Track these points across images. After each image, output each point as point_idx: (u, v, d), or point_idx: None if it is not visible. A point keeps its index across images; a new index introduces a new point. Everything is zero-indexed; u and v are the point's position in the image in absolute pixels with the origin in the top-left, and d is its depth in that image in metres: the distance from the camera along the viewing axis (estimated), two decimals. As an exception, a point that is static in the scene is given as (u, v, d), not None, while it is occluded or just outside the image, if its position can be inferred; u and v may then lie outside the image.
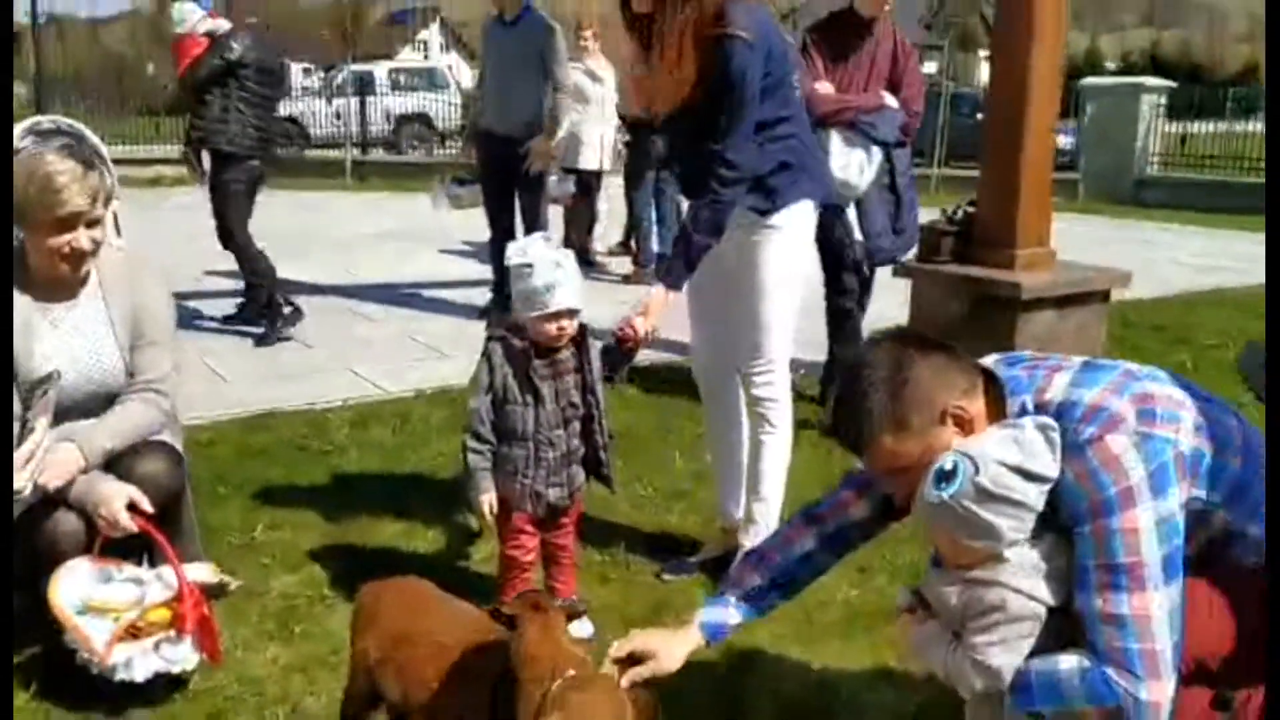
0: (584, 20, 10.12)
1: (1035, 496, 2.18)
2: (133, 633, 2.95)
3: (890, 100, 5.50)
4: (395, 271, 10.07)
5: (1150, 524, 2.11)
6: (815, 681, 3.28)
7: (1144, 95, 18.34)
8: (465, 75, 26.20)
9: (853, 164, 5.36)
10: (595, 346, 3.39)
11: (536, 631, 2.23)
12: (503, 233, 7.50)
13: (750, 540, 3.76)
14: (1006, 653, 2.21)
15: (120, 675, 2.95)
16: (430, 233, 11.78)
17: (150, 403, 3.28)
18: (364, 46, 39.21)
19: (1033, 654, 2.22)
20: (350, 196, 17.02)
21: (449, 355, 7.01)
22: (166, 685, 3.11)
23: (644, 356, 6.66)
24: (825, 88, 5.44)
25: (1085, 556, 2.17)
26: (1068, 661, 2.17)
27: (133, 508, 3.02)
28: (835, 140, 5.34)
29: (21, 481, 2.68)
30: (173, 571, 3.02)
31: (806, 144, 3.72)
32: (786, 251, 3.65)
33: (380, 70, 25.84)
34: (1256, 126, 20.22)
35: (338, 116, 21.78)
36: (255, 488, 4.60)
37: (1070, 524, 2.20)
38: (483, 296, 8.25)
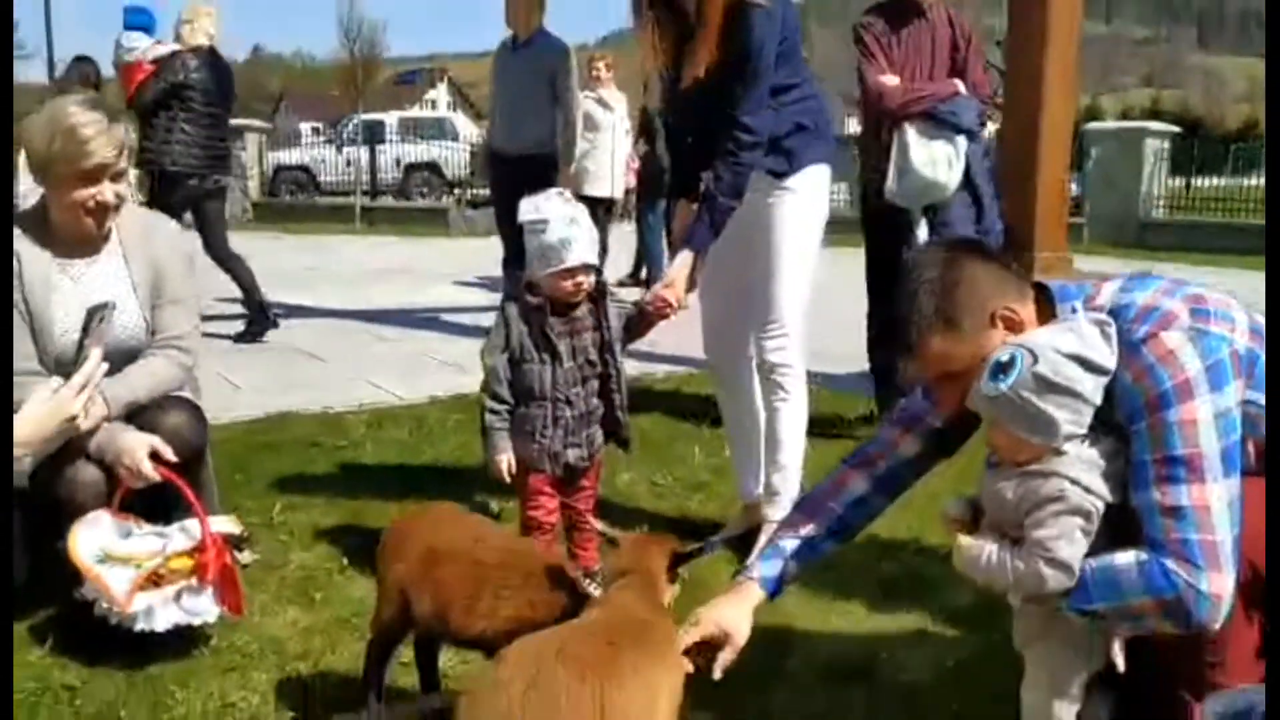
0: (597, 53, 10.24)
1: (1092, 388, 2.15)
2: (154, 580, 2.90)
3: (962, 87, 5.02)
4: (410, 300, 10.09)
5: (1208, 416, 2.07)
6: (854, 643, 3.21)
7: (1148, 139, 18.42)
8: (472, 132, 26.43)
9: (939, 159, 4.86)
10: (614, 305, 3.36)
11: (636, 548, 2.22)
12: (516, 252, 7.48)
13: (775, 512, 3.70)
14: (1070, 545, 2.16)
15: (140, 625, 2.89)
16: (442, 267, 11.83)
17: (172, 360, 3.25)
18: (372, 104, 39.69)
19: (1088, 555, 2.18)
20: (359, 239, 17.11)
21: (467, 371, 6.97)
22: (185, 642, 3.05)
23: (660, 367, 6.68)
24: (892, 80, 5.00)
25: (1142, 452, 2.13)
26: (1124, 557, 2.12)
27: (155, 458, 2.98)
28: (912, 135, 4.89)
29: (75, 408, 2.64)
30: (194, 524, 2.97)
31: (819, 107, 3.74)
32: (802, 213, 3.65)
33: (390, 119, 26.16)
34: (1259, 181, 20.28)
35: (348, 164, 22.00)
36: (271, 477, 4.56)
37: (1127, 422, 2.16)
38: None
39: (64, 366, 3.09)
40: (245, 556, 3.64)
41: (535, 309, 3.20)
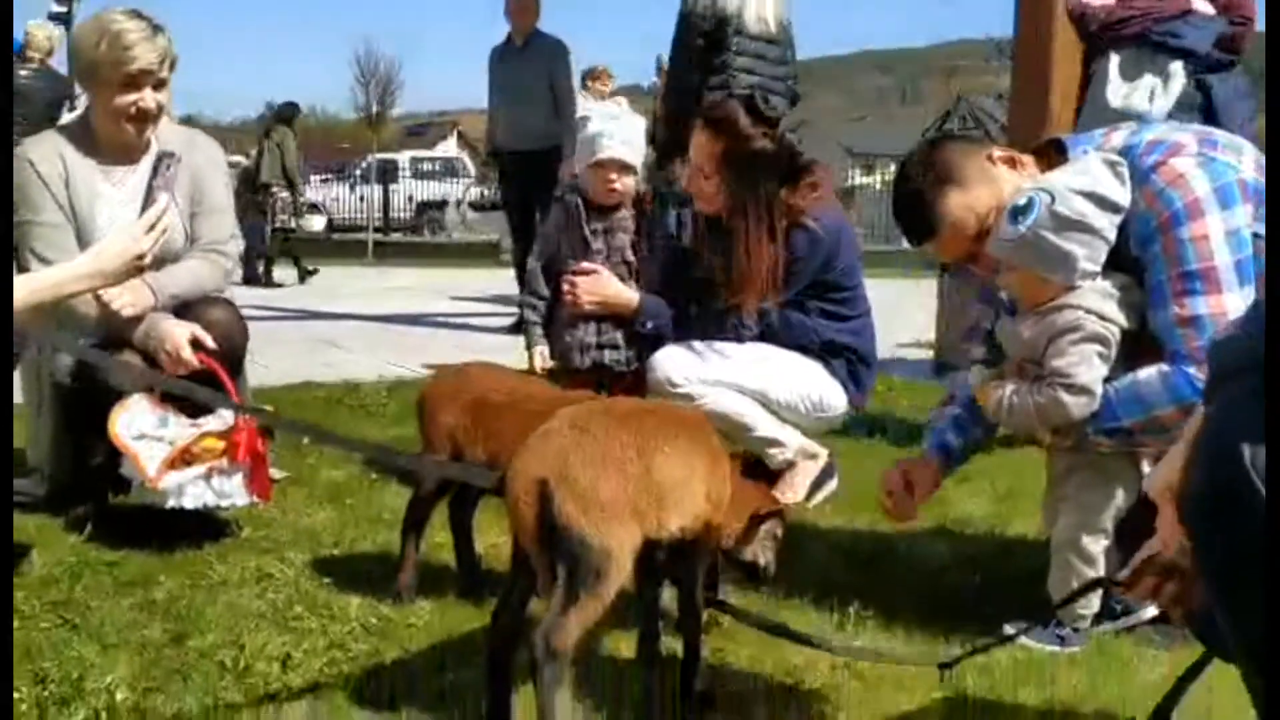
0: (599, 69, 10.38)
1: (1108, 225, 2.23)
2: (185, 459, 2.96)
3: (1202, 3, 4.03)
4: (431, 307, 10.17)
5: (1219, 232, 2.16)
6: (874, 538, 3.26)
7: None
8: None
9: (1139, 89, 3.96)
10: (659, 218, 3.45)
11: None
12: (527, 243, 7.60)
13: (781, 454, 3.66)
14: (1089, 369, 2.23)
15: (171, 502, 2.95)
16: (453, 289, 11.93)
17: (213, 263, 3.34)
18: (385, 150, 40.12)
19: (1108, 380, 2.26)
20: (372, 270, 17.25)
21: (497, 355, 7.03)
22: (220, 529, 3.11)
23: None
24: None
25: (1158, 273, 2.21)
26: (1147, 372, 2.19)
27: (196, 345, 3.06)
28: (1113, 65, 4.00)
29: (145, 245, 2.70)
30: (228, 412, 3.04)
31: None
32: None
33: (403, 158, 26.51)
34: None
35: (361, 200, 22.25)
36: (293, 418, 4.60)
37: (1141, 248, 2.25)
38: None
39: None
40: (276, 474, 3.70)
41: (575, 207, 3.30)
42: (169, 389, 2.78)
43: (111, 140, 3.29)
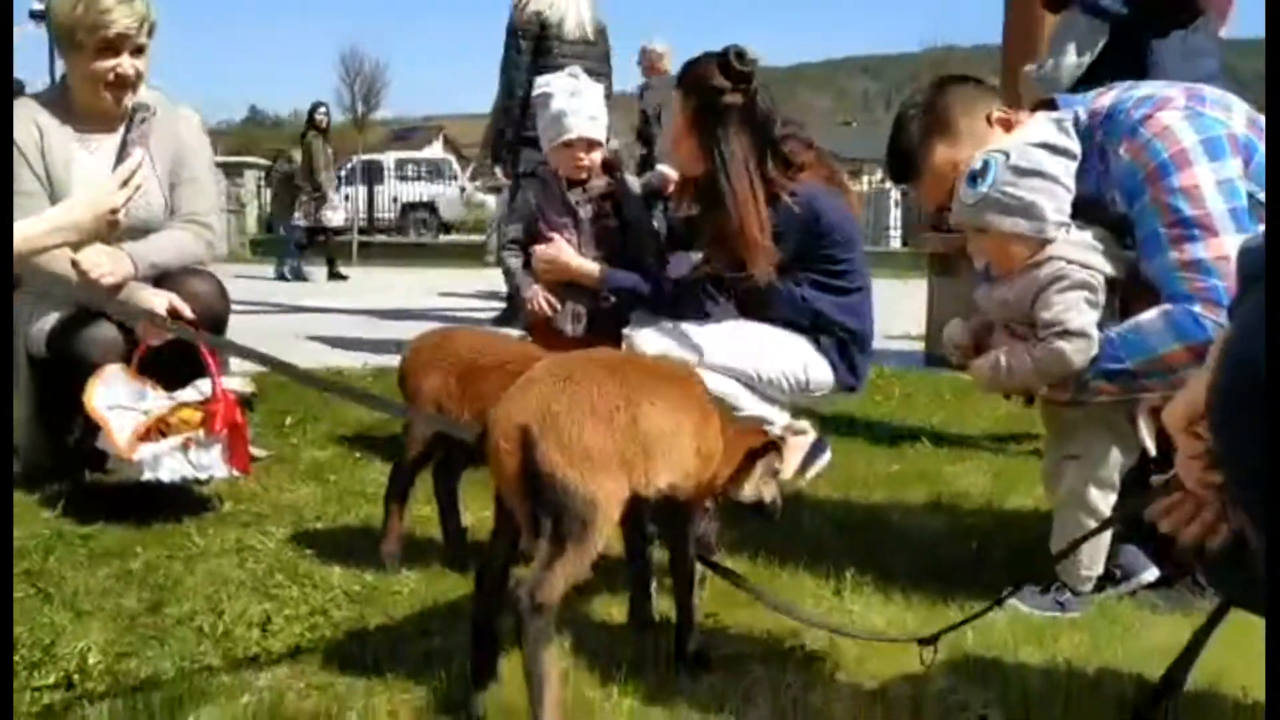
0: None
1: (1063, 171, 2.23)
2: (161, 430, 2.88)
3: None
4: (417, 303, 10.10)
5: (1210, 181, 2.11)
6: (866, 510, 3.21)
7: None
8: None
9: (1063, 53, 3.81)
10: (633, 182, 3.39)
11: None
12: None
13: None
14: (1080, 314, 2.18)
15: (147, 474, 2.88)
16: (444, 286, 11.86)
17: (195, 233, 3.27)
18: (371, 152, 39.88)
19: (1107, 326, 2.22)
20: (357, 270, 17.15)
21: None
22: (200, 503, 3.04)
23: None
24: None
25: (1150, 225, 2.16)
26: (1149, 314, 2.14)
27: (175, 316, 2.98)
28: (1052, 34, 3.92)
29: (119, 199, 2.63)
30: (206, 383, 2.97)
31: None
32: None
33: (388, 160, 26.38)
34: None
35: (345, 200, 22.07)
36: (278, 403, 4.53)
37: (1129, 203, 2.21)
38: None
39: (82, 238, 3.13)
40: (258, 453, 3.63)
41: (554, 176, 3.24)
42: (182, 335, 2.69)
43: (89, 107, 3.22)
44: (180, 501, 3.01)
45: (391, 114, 66.13)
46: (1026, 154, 2.23)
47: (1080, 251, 2.23)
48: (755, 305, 3.15)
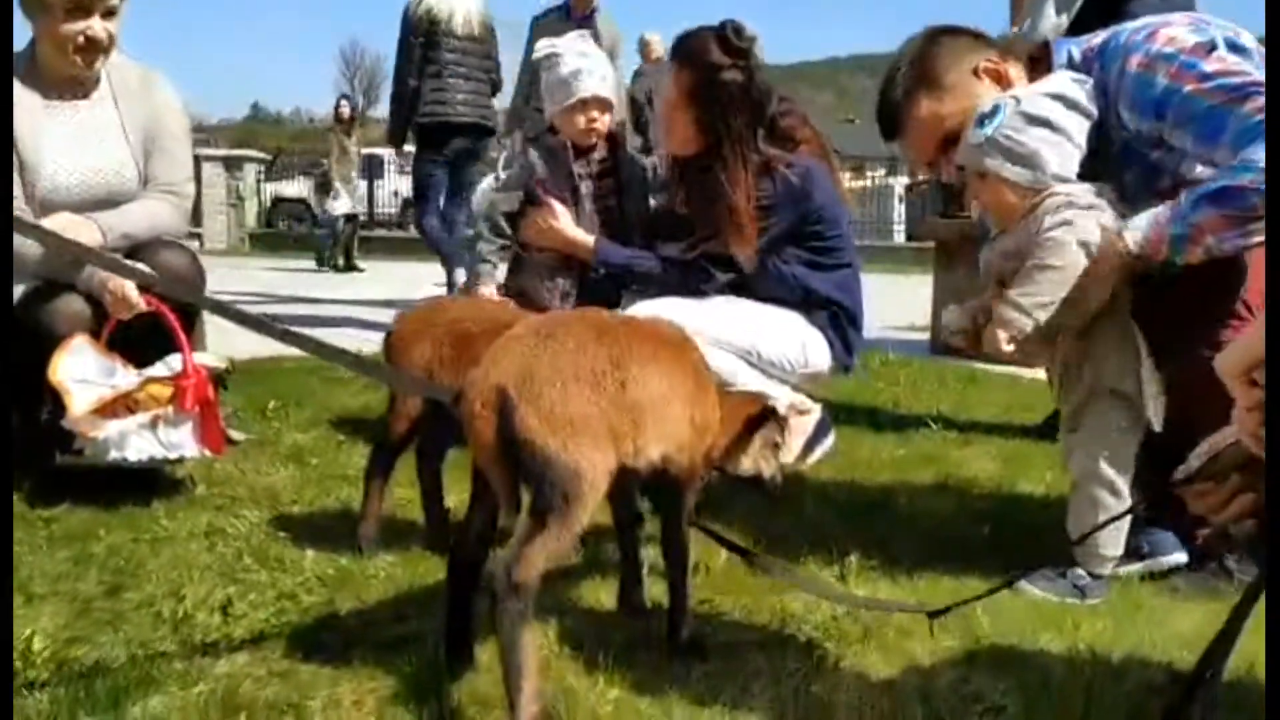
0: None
1: (1076, 128, 2.13)
2: (129, 406, 2.74)
3: None
4: (412, 294, 9.94)
5: (1236, 63, 2.03)
6: (873, 490, 3.07)
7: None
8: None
9: (1045, 16, 3.54)
10: (635, 158, 3.25)
11: None
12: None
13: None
14: (1085, 219, 2.09)
15: (113, 454, 2.73)
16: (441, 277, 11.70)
17: (168, 203, 3.13)
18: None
19: None
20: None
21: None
22: (173, 486, 2.90)
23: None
24: None
25: (1199, 108, 2.03)
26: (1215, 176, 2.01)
27: (145, 290, 2.84)
28: None
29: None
30: (177, 359, 2.82)
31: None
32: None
33: (389, 153, 26.00)
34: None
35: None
36: (261, 386, 4.39)
37: (1154, 113, 2.10)
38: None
39: (50, 208, 2.99)
40: (238, 435, 3.49)
41: (560, 145, 3.10)
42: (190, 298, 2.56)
43: (58, 73, 3.07)
44: (152, 484, 2.86)
45: (384, 114, 66.25)
46: (1037, 103, 2.13)
47: (1084, 193, 2.14)
48: (745, 283, 3.04)
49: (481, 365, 1.64)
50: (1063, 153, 2.13)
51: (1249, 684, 1.79)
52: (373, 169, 22.36)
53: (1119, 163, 2.22)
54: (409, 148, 7.20)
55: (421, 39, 6.64)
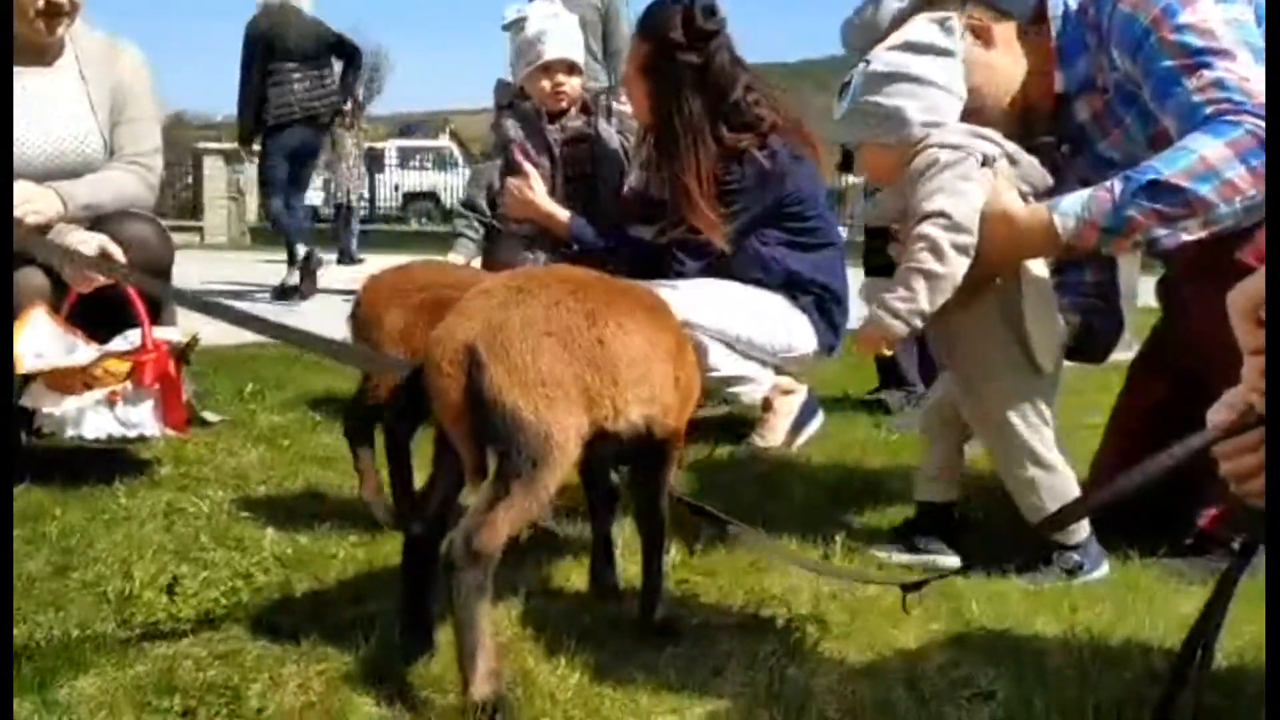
0: None
1: (935, 70, 2.06)
2: (86, 382, 2.62)
3: None
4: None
5: (1218, 18, 1.95)
6: (862, 481, 2.94)
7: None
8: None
9: None
10: (609, 132, 3.14)
11: None
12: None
13: (754, 390, 3.31)
14: (949, 197, 1.99)
15: (70, 432, 2.62)
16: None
17: (135, 174, 3.02)
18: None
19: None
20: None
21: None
22: (138, 466, 2.79)
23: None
24: None
25: (1159, 62, 1.99)
26: (1183, 139, 1.92)
27: (107, 260, 2.72)
28: None
29: None
30: (137, 333, 2.70)
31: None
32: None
33: (390, 147, 25.93)
34: None
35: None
36: (237, 370, 4.30)
37: (1133, 52, 2.04)
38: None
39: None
40: (211, 417, 3.39)
41: (534, 111, 3.00)
42: (120, 276, 2.44)
43: (19, 39, 2.95)
44: (115, 464, 2.76)
45: (397, 109, 66.24)
46: (885, 58, 2.08)
47: (954, 136, 2.04)
48: (724, 267, 2.95)
49: (448, 321, 1.53)
50: (926, 99, 2.05)
51: (1244, 668, 1.69)
52: (373, 163, 22.28)
53: (1121, 105, 2.13)
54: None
55: (260, 51, 7.63)
